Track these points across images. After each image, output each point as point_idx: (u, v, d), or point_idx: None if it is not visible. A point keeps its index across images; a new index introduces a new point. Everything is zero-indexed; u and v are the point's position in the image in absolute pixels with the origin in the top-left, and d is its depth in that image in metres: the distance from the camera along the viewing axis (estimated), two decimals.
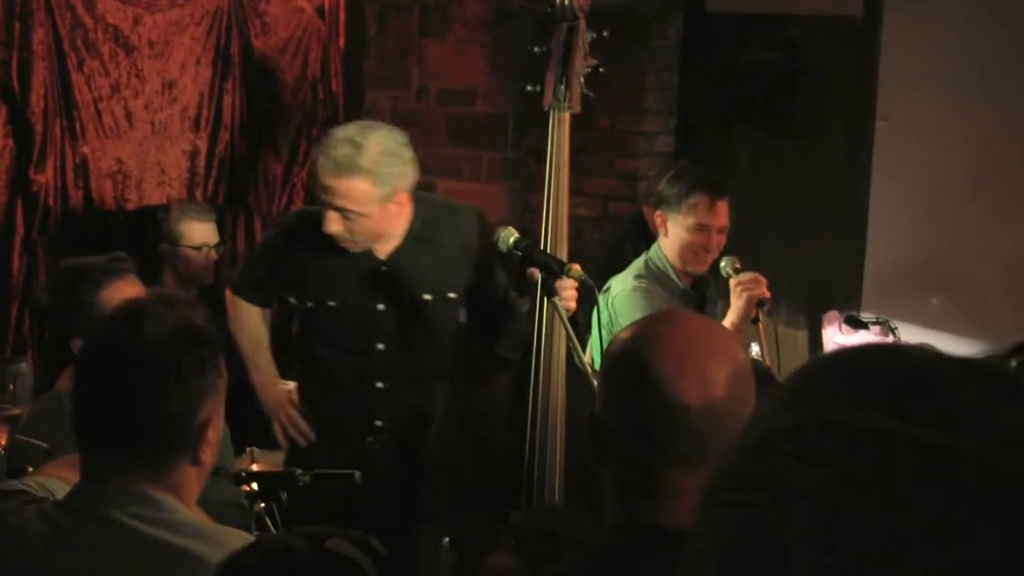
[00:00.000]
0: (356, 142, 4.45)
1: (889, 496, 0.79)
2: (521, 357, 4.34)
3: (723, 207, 5.33)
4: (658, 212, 5.41)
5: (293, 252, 4.77)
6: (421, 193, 4.82)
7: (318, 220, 4.58)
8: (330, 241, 4.58)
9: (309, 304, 4.82)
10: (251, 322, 5.01)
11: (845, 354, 0.93)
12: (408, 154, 4.58)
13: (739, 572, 0.84)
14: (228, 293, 5.09)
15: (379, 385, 4.73)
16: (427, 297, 4.70)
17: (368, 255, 4.66)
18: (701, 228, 5.30)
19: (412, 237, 4.68)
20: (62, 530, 2.41)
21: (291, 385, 4.99)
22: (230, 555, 2.14)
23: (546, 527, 2.71)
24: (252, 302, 5.01)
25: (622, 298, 5.23)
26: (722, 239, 5.37)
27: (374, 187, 4.45)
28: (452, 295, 4.73)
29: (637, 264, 5.44)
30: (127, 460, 2.44)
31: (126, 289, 3.90)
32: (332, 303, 4.75)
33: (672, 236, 5.35)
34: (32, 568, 2.43)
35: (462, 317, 4.92)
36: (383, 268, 4.67)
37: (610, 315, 5.13)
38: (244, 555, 2.12)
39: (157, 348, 2.42)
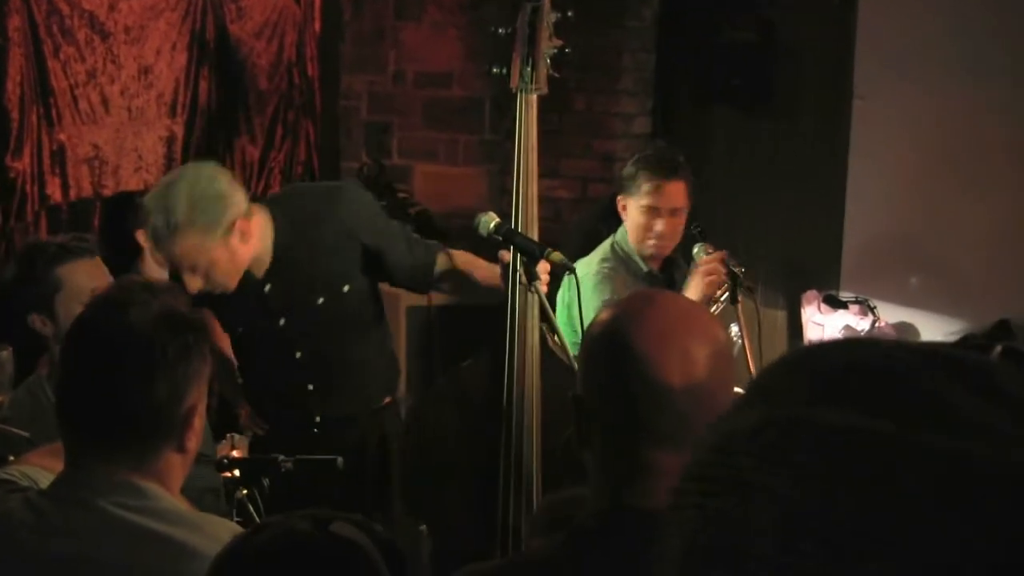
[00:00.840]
0: (164, 206, 4.24)
1: (850, 493, 0.79)
2: (491, 343, 4.30)
3: (672, 188, 5.29)
4: (619, 196, 5.42)
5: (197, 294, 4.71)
6: (280, 195, 4.74)
7: None
8: None
9: (226, 332, 4.83)
10: None
11: (806, 351, 0.93)
12: (221, 186, 4.34)
13: (705, 575, 0.84)
14: None
15: (309, 387, 4.71)
16: (320, 300, 4.61)
17: (250, 279, 4.52)
18: (650, 210, 5.29)
19: (280, 247, 4.53)
20: (47, 518, 2.41)
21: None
22: (235, 538, 2.14)
23: (568, 505, 2.70)
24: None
25: (584, 282, 5.21)
26: (676, 222, 5.35)
27: (204, 235, 4.27)
28: (347, 288, 4.63)
29: (604, 247, 5.44)
30: (112, 448, 2.44)
31: (86, 268, 3.90)
32: (240, 330, 4.74)
33: (630, 219, 5.38)
34: (17, 555, 2.42)
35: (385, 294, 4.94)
36: (266, 288, 4.57)
37: (571, 296, 5.14)
38: (250, 538, 2.11)
39: (142, 335, 2.42)
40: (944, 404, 0.82)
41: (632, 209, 5.35)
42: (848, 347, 0.91)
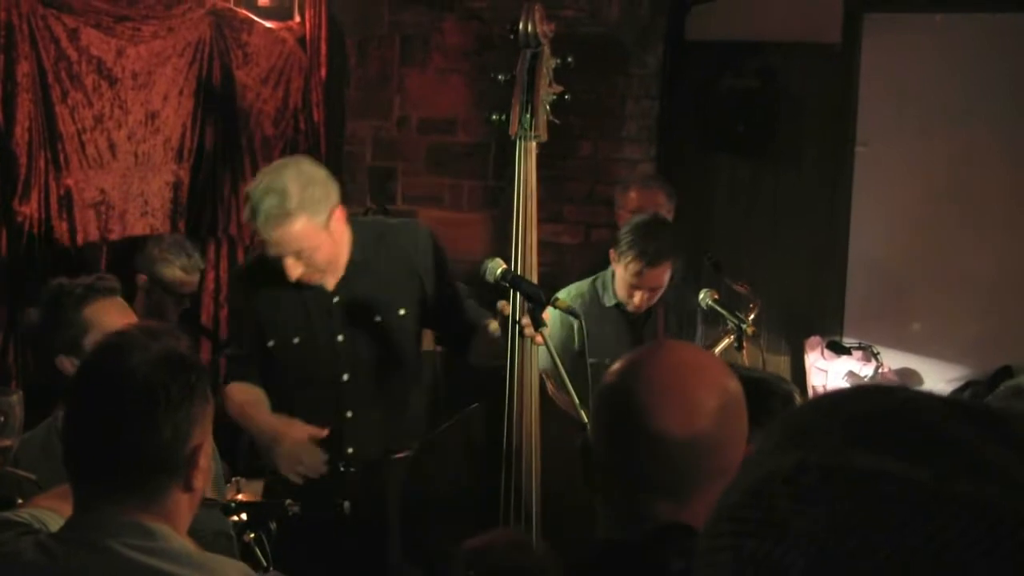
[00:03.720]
0: (278, 189, 4.42)
1: (884, 537, 0.80)
2: (493, 391, 4.30)
3: (654, 274, 5.56)
4: (612, 250, 5.67)
5: (251, 300, 4.79)
6: (359, 218, 4.85)
7: (265, 265, 4.61)
8: (281, 282, 4.60)
9: (270, 343, 4.80)
10: (245, 394, 4.85)
11: (840, 395, 0.94)
12: (323, 173, 4.58)
13: None
14: (224, 389, 4.86)
15: (348, 414, 4.75)
16: (378, 319, 4.72)
17: (319, 290, 4.68)
18: (631, 286, 5.60)
19: (353, 264, 4.71)
20: (58, 560, 2.42)
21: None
22: None
23: (505, 555, 2.71)
24: (251, 381, 4.88)
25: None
26: (655, 294, 5.64)
27: (312, 218, 4.47)
28: (401, 312, 4.76)
29: (585, 283, 5.83)
30: (119, 489, 2.45)
31: (111, 308, 3.90)
32: (296, 340, 4.76)
33: (617, 278, 5.69)
34: None
35: (424, 336, 4.97)
36: (335, 299, 4.70)
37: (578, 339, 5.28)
38: None
39: (144, 377, 2.44)
40: (975, 455, 0.84)
41: (619, 273, 5.65)
42: (880, 393, 0.92)
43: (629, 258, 5.51)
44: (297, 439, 4.67)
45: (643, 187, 6.72)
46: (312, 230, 4.48)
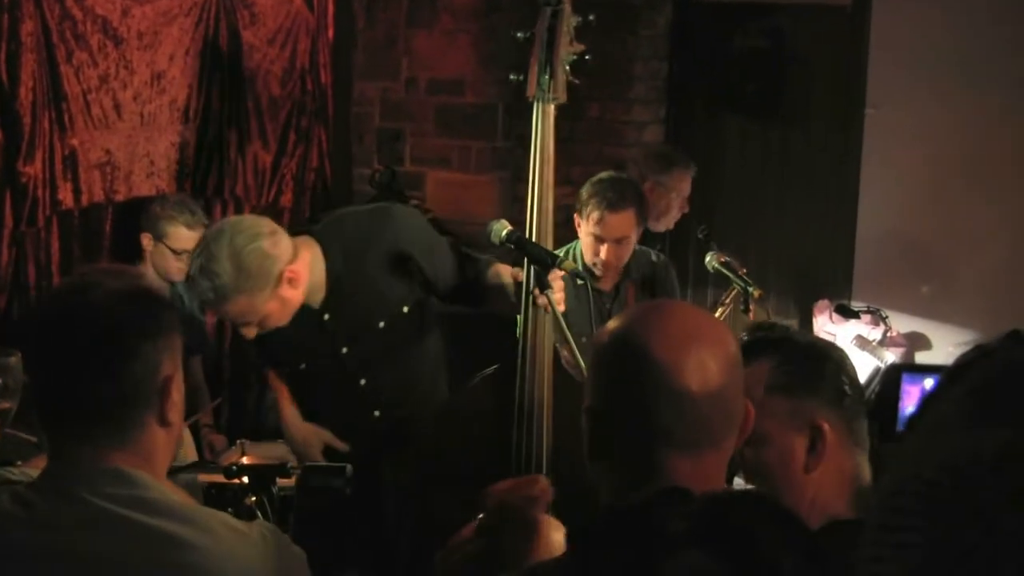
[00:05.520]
0: (209, 271, 4.16)
1: None
2: (505, 354, 4.27)
3: (615, 220, 5.41)
4: (575, 214, 5.54)
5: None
6: (326, 223, 4.61)
7: None
8: None
9: (284, 369, 4.80)
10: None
11: None
12: (262, 244, 4.23)
13: None
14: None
15: (376, 414, 4.72)
16: (381, 324, 4.59)
17: (308, 312, 4.48)
18: (596, 238, 5.44)
19: (335, 276, 4.49)
20: (36, 511, 2.39)
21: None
22: None
23: (514, 508, 2.71)
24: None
25: None
26: (620, 249, 5.49)
27: (252, 297, 4.24)
28: (406, 308, 4.61)
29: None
30: (93, 429, 2.41)
31: None
32: (303, 365, 4.70)
33: (581, 239, 5.56)
34: (6, 549, 2.40)
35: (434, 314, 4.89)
36: (325, 317, 4.53)
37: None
38: None
39: (106, 309, 2.40)
40: None
41: (582, 232, 5.52)
42: None
43: (590, 208, 5.39)
44: (304, 440, 4.77)
45: (687, 168, 6.59)
46: (255, 304, 4.25)
